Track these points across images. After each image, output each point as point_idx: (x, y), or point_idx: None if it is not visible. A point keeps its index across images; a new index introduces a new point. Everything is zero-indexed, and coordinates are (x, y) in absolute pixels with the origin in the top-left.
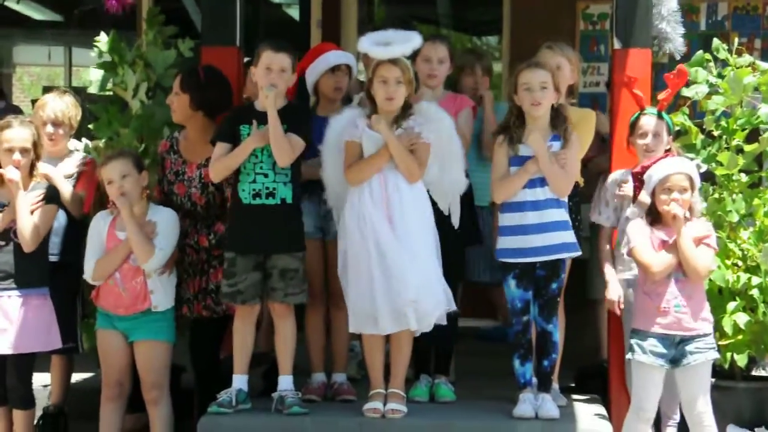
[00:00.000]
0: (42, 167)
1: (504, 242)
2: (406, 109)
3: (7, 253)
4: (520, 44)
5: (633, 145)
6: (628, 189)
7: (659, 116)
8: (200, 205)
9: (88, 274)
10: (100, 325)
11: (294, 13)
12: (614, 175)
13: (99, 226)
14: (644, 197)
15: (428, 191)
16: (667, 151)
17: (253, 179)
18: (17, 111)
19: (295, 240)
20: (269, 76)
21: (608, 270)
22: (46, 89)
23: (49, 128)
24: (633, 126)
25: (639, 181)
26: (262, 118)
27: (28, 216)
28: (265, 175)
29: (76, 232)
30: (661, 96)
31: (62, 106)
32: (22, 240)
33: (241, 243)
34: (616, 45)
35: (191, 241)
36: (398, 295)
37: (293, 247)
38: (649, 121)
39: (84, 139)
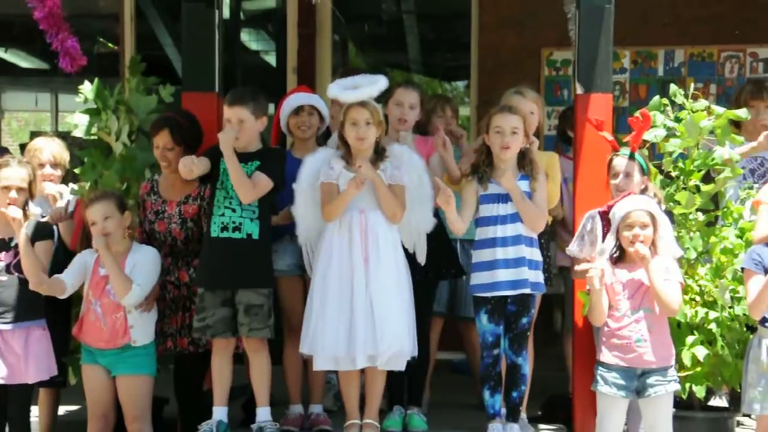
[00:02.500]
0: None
1: (476, 278)
2: (381, 152)
3: (9, 288)
4: (487, 89)
5: (608, 185)
6: (597, 228)
7: (631, 157)
8: (180, 239)
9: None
10: (84, 361)
11: (271, 59)
12: (590, 212)
13: (85, 257)
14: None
15: None
16: (643, 190)
17: (222, 213)
18: (6, 152)
19: (260, 276)
20: (229, 128)
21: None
22: (34, 134)
23: (48, 169)
24: (608, 166)
25: (606, 220)
26: (239, 157)
27: (33, 252)
28: (233, 210)
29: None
30: (626, 138)
31: (58, 148)
32: (29, 275)
33: (209, 279)
34: (579, 90)
35: (172, 278)
36: (370, 341)
37: (258, 283)
38: (620, 162)
39: (70, 184)
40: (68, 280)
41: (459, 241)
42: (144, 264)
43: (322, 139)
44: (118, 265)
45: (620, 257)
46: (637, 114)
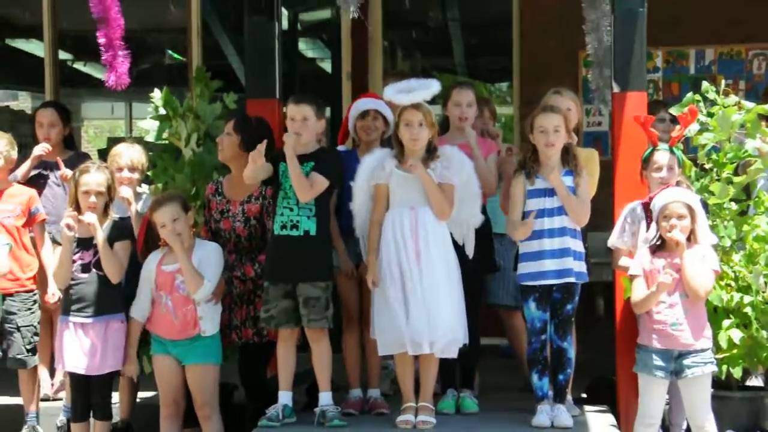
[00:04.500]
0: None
1: (524, 267)
2: (433, 152)
3: (90, 285)
4: (528, 90)
5: (646, 179)
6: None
7: (671, 151)
8: (243, 237)
9: (133, 312)
10: (155, 351)
11: (327, 66)
12: (632, 204)
13: (150, 265)
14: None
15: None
16: (678, 182)
17: (282, 212)
18: (87, 158)
19: (318, 270)
20: (293, 125)
21: (632, 264)
22: (112, 140)
23: (126, 173)
24: (646, 161)
25: (648, 211)
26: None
27: (110, 252)
28: (291, 209)
29: (140, 267)
30: (674, 133)
31: (136, 154)
32: (108, 273)
33: (272, 273)
34: (615, 89)
35: (238, 273)
36: (423, 331)
37: (315, 277)
38: (663, 156)
39: (143, 185)
40: (144, 306)
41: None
42: (210, 259)
43: (388, 143)
44: (191, 262)
45: (661, 245)
46: (685, 110)
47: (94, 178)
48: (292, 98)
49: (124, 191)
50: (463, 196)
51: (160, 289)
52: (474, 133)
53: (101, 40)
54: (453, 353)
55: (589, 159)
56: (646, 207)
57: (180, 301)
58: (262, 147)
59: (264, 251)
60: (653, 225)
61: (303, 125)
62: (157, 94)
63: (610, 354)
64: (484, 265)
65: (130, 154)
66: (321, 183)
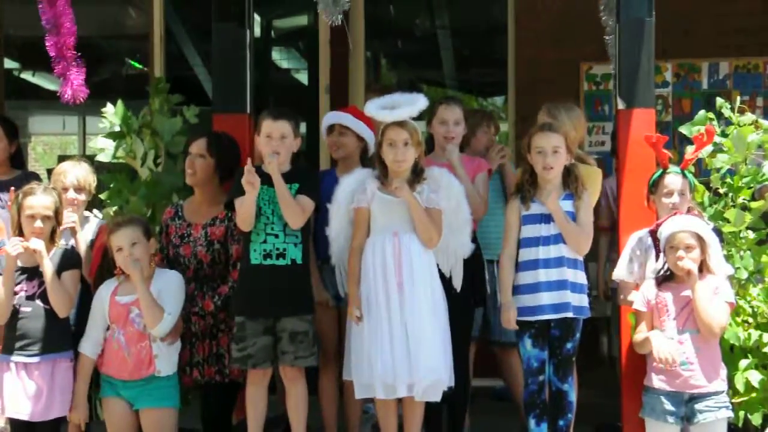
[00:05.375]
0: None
1: (519, 300)
2: (419, 173)
3: (35, 319)
4: (525, 105)
5: (654, 203)
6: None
7: (683, 175)
8: (206, 262)
9: (83, 347)
10: (105, 393)
11: (303, 78)
12: (639, 233)
13: (102, 296)
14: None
15: None
16: (689, 209)
17: (264, 240)
18: (36, 178)
19: (304, 302)
20: (271, 144)
21: (653, 334)
22: (62, 158)
23: (71, 194)
24: (655, 184)
25: (656, 239)
26: (268, 181)
27: (58, 283)
28: (276, 236)
29: (89, 300)
30: (688, 155)
31: (83, 172)
32: (56, 306)
33: (251, 307)
34: (620, 105)
35: (196, 308)
36: (403, 372)
37: (302, 310)
38: (674, 180)
39: (94, 210)
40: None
41: (489, 262)
42: (170, 290)
43: (370, 162)
44: (150, 293)
45: (669, 276)
46: (696, 129)
47: (40, 200)
48: (268, 113)
49: (34, 243)
50: (452, 223)
51: (112, 323)
52: (457, 151)
53: (50, 51)
54: (436, 396)
55: (589, 176)
56: (654, 235)
57: (134, 336)
58: (252, 169)
59: (225, 282)
60: (661, 255)
61: (281, 143)
62: (110, 109)
63: (616, 397)
64: (472, 297)
65: (76, 173)
66: (310, 206)
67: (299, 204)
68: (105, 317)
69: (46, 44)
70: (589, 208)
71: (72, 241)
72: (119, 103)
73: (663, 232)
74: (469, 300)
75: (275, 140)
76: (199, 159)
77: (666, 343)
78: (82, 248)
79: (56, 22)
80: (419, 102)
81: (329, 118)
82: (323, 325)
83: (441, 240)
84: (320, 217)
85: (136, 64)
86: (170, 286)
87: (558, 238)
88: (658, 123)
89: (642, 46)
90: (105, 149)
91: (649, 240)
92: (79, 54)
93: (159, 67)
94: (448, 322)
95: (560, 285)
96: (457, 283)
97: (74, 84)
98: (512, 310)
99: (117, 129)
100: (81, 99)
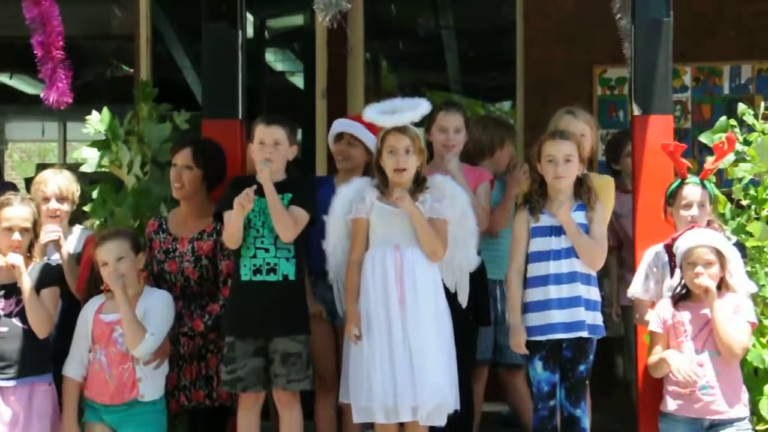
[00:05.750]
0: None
1: (528, 319)
2: (422, 183)
3: (12, 340)
4: (534, 110)
5: (671, 216)
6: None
7: (702, 185)
8: (193, 279)
9: (67, 370)
10: (88, 418)
11: (298, 81)
12: (656, 248)
13: (87, 314)
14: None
15: None
16: (710, 222)
17: (254, 254)
18: (13, 188)
19: (298, 321)
20: (263, 151)
21: (670, 353)
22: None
23: (54, 204)
24: (673, 195)
25: (671, 254)
26: (259, 191)
27: (37, 301)
28: (266, 250)
29: (70, 319)
30: (708, 165)
31: (65, 181)
32: (35, 326)
33: (240, 326)
34: (636, 111)
35: (185, 328)
36: (406, 394)
37: (295, 330)
38: (693, 190)
39: (77, 225)
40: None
41: (499, 282)
42: (157, 309)
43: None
44: (133, 311)
45: (686, 294)
46: (722, 138)
47: (17, 212)
48: (261, 118)
49: (12, 258)
50: (457, 234)
51: (95, 342)
52: (456, 161)
53: (37, 51)
54: (441, 420)
55: (602, 188)
56: (669, 250)
57: (116, 357)
58: (251, 191)
59: (215, 300)
60: (677, 271)
61: (274, 150)
62: (94, 117)
63: (632, 423)
64: (476, 316)
65: (57, 182)
66: (303, 218)
67: (292, 216)
68: (89, 336)
69: (33, 44)
70: (603, 220)
71: (56, 256)
72: (105, 110)
73: (680, 247)
74: (473, 318)
75: (268, 147)
76: (185, 171)
77: (685, 362)
78: (67, 262)
79: (42, 20)
80: (421, 106)
81: (340, 125)
82: (320, 345)
83: (446, 254)
84: (316, 229)
85: (123, 66)
86: (157, 306)
87: (570, 252)
88: (676, 130)
89: (659, 48)
90: (89, 159)
91: (666, 255)
92: (66, 56)
93: (145, 69)
94: (453, 340)
95: (573, 302)
96: (463, 299)
97: (59, 87)
98: (521, 333)
99: (101, 137)
100: (65, 103)
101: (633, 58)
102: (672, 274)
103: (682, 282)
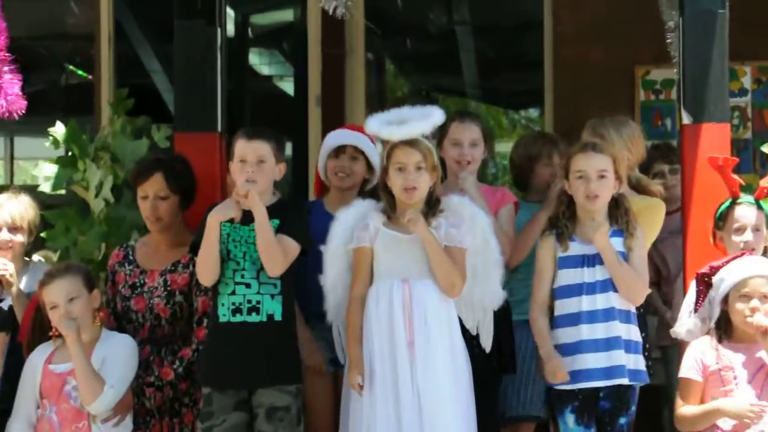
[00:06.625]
0: None
1: None
2: (435, 204)
3: None
4: (565, 119)
5: (721, 241)
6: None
7: (758, 206)
8: (165, 318)
9: (13, 428)
10: None
11: (288, 87)
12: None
13: (34, 364)
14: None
15: None
16: (766, 249)
17: (233, 290)
18: None
19: (285, 369)
20: (244, 169)
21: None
22: None
23: (5, 235)
24: (723, 217)
25: (705, 284)
26: (245, 217)
27: None
28: (248, 285)
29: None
30: (765, 182)
31: (20, 208)
32: None
33: (218, 376)
34: (685, 120)
35: (152, 378)
36: None
37: (283, 379)
38: (747, 213)
39: (34, 256)
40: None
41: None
42: (117, 357)
43: (369, 194)
44: (88, 359)
45: (728, 333)
46: None
47: None
48: (243, 132)
49: (1, 263)
50: (477, 266)
51: (44, 397)
52: (473, 180)
53: None
54: None
55: (646, 210)
56: (704, 279)
57: (69, 414)
58: (254, 193)
59: (188, 343)
60: (706, 304)
61: (258, 169)
62: (58, 128)
63: None
64: (500, 363)
65: (10, 208)
66: (294, 249)
67: (281, 245)
68: (36, 390)
69: None
70: (644, 248)
71: (5, 296)
72: (71, 122)
73: (727, 278)
74: (497, 364)
75: (251, 165)
76: (161, 203)
77: (743, 402)
78: (18, 302)
79: None
80: (434, 115)
81: (341, 136)
82: (316, 398)
83: (465, 289)
84: (311, 261)
85: (78, 71)
86: (118, 353)
87: (606, 285)
88: (733, 141)
89: (713, 45)
90: (49, 178)
91: (721, 287)
92: (13, 57)
93: (107, 74)
94: (472, 391)
95: (610, 344)
96: (487, 342)
97: (8, 94)
98: (556, 358)
99: (64, 153)
100: (18, 111)
101: (681, 57)
102: (697, 306)
103: (717, 316)
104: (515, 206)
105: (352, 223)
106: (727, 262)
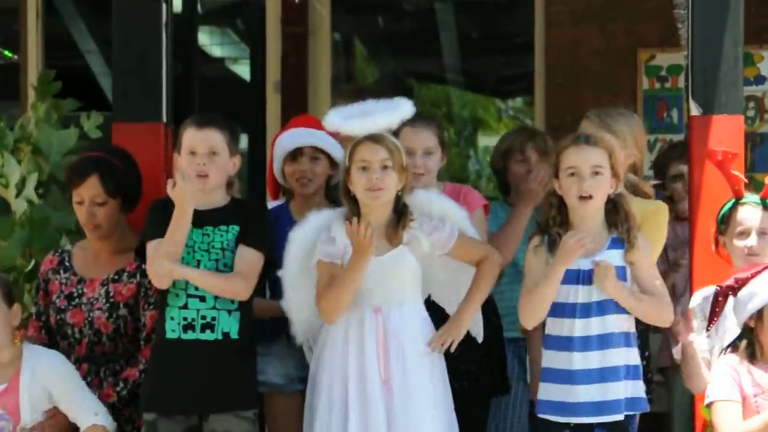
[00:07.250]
0: None
1: (546, 391)
2: (403, 213)
3: None
4: (558, 108)
5: (724, 247)
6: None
7: (763, 206)
8: (106, 334)
9: None
10: None
11: (244, 71)
12: (704, 292)
13: None
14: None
15: (430, 297)
16: None
17: (184, 303)
18: None
19: (242, 393)
20: (193, 162)
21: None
22: None
23: None
24: (725, 220)
25: (725, 297)
26: (197, 219)
27: None
28: (202, 299)
29: None
30: None
31: None
32: None
33: (165, 399)
34: (693, 110)
35: None
36: None
37: (239, 404)
38: (751, 214)
39: None
40: None
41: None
42: (68, 379)
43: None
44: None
45: (753, 353)
46: None
47: None
48: (192, 120)
49: None
50: (451, 262)
51: None
52: (441, 186)
53: None
54: None
55: (650, 215)
56: (725, 293)
57: None
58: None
59: (133, 363)
60: (722, 320)
61: (210, 162)
62: None
63: None
64: (491, 385)
65: None
66: (257, 263)
67: (241, 262)
68: None
69: None
70: (651, 259)
71: None
72: None
73: (759, 293)
74: (485, 387)
75: (201, 157)
76: (99, 209)
77: None
78: None
79: None
80: (402, 108)
81: (296, 136)
82: (283, 423)
83: (443, 284)
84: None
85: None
86: (62, 374)
87: (603, 308)
88: (748, 134)
89: (725, 26)
90: None
91: (750, 303)
92: None
93: (35, 54)
94: (455, 420)
95: (605, 375)
96: (477, 331)
97: None
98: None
99: None
100: None
101: (690, 40)
102: (710, 324)
103: (744, 336)
104: (485, 209)
105: (311, 236)
106: (758, 273)
